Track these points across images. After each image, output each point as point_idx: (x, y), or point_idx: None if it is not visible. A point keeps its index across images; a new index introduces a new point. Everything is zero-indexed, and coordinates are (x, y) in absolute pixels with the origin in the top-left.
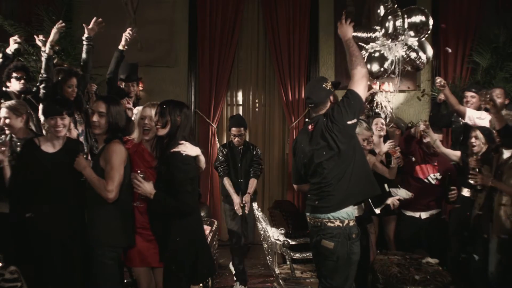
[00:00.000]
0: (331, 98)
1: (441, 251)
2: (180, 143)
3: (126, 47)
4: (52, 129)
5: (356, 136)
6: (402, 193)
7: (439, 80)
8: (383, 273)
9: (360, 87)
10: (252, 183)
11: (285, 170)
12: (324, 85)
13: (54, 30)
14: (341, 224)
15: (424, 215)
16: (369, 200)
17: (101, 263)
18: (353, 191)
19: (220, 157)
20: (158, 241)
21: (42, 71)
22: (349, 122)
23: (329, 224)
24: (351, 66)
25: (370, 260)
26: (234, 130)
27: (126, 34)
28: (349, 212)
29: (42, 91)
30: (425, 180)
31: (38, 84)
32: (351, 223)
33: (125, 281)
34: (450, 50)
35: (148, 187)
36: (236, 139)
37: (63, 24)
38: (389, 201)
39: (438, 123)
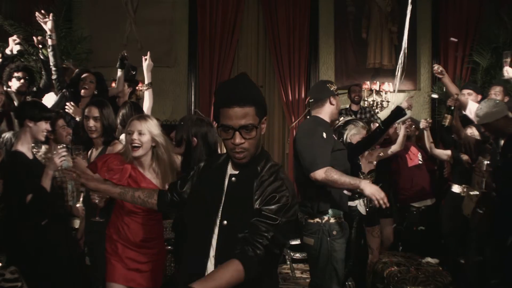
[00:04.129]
0: (332, 99)
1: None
2: None
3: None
4: (40, 133)
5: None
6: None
7: (436, 67)
8: (383, 273)
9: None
10: None
11: (285, 170)
12: (328, 85)
13: (48, 21)
14: (320, 221)
15: (431, 201)
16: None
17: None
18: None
19: None
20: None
21: (52, 64)
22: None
23: (309, 220)
24: (336, 181)
25: (368, 260)
26: None
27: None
28: (330, 209)
29: (56, 84)
30: (419, 161)
31: (52, 77)
32: (332, 220)
33: None
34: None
35: None
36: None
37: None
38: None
39: (442, 141)
